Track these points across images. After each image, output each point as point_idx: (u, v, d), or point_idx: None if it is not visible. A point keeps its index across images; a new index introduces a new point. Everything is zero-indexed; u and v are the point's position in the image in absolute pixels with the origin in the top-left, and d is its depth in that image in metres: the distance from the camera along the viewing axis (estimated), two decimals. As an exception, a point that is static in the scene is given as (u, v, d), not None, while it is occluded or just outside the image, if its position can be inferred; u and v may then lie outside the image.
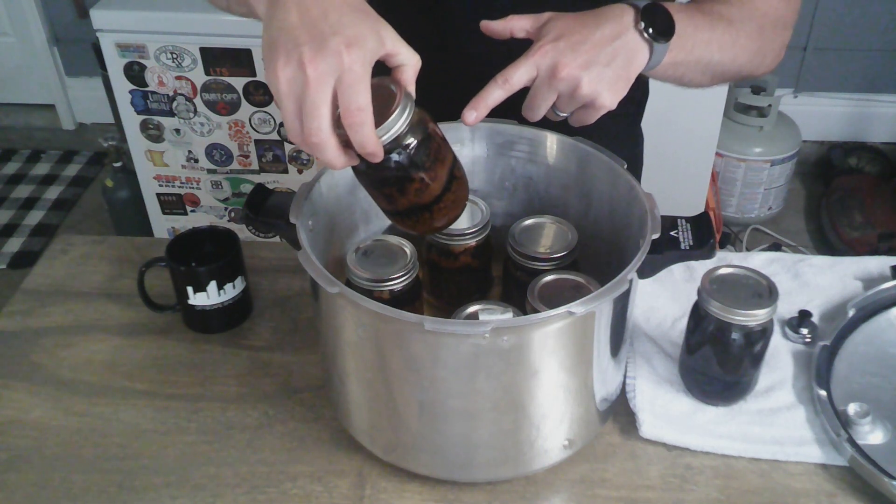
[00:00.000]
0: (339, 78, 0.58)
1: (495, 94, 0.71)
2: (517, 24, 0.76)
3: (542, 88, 0.72)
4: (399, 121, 0.63)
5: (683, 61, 0.79)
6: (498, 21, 0.76)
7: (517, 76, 0.71)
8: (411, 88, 0.65)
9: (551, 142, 0.86)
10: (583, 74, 0.71)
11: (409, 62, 0.64)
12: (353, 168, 0.67)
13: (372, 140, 0.61)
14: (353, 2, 0.62)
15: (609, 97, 0.73)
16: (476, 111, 0.71)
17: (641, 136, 1.14)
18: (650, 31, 0.73)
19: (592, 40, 0.72)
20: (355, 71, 0.58)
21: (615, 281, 0.66)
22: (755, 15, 0.85)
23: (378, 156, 0.62)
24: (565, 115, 0.76)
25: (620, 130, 1.08)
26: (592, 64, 0.71)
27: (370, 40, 0.60)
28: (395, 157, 0.64)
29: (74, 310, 0.97)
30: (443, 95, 0.75)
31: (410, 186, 0.67)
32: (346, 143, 0.62)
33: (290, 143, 1.94)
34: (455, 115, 0.73)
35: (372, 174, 0.67)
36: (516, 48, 0.74)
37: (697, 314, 0.78)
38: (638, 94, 1.09)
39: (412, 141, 0.65)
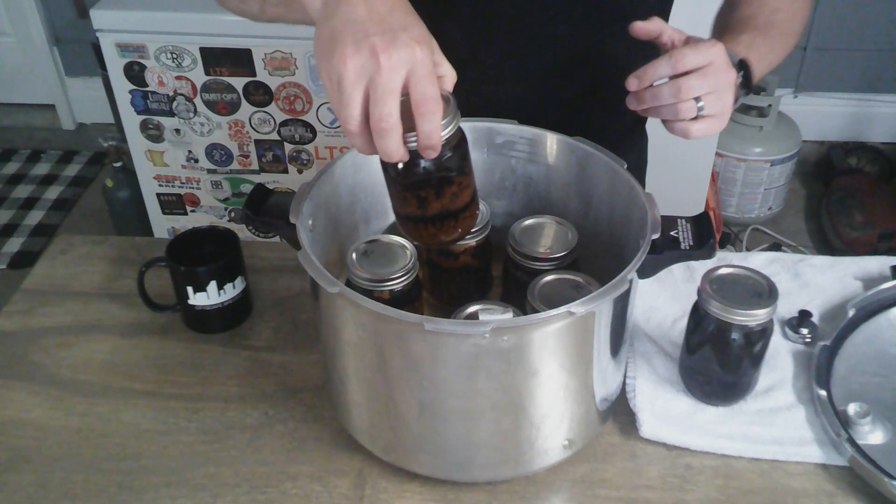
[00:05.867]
0: (411, 69, 0.59)
1: (663, 69, 0.77)
2: (670, 31, 0.82)
3: (692, 81, 0.76)
4: (454, 121, 0.65)
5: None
6: (648, 22, 0.82)
7: (689, 59, 0.76)
8: None
9: (551, 142, 0.86)
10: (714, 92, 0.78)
11: (449, 75, 0.66)
12: (387, 169, 0.67)
13: (438, 132, 0.62)
14: (411, 8, 0.64)
15: (718, 122, 0.79)
16: (639, 80, 0.78)
17: (647, 138, 1.14)
18: (741, 81, 0.81)
19: (728, 77, 0.79)
20: (427, 64, 0.60)
21: (615, 281, 0.66)
22: (797, 7, 0.95)
23: (437, 149, 0.63)
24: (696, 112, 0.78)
25: (627, 131, 1.08)
26: (725, 89, 0.79)
27: (430, 43, 0.62)
28: (445, 155, 0.65)
29: (74, 310, 0.97)
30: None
31: (448, 189, 0.68)
32: None
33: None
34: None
35: (414, 173, 0.66)
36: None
37: (697, 314, 0.78)
38: None
39: (459, 143, 0.67)
